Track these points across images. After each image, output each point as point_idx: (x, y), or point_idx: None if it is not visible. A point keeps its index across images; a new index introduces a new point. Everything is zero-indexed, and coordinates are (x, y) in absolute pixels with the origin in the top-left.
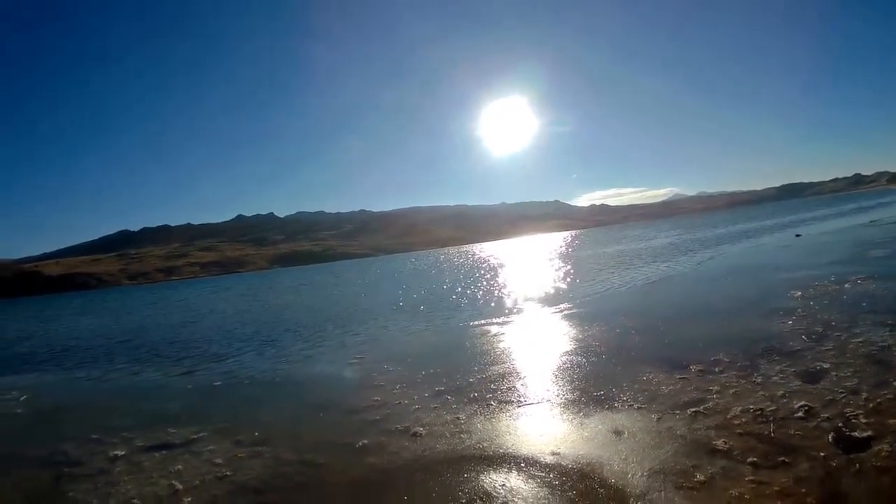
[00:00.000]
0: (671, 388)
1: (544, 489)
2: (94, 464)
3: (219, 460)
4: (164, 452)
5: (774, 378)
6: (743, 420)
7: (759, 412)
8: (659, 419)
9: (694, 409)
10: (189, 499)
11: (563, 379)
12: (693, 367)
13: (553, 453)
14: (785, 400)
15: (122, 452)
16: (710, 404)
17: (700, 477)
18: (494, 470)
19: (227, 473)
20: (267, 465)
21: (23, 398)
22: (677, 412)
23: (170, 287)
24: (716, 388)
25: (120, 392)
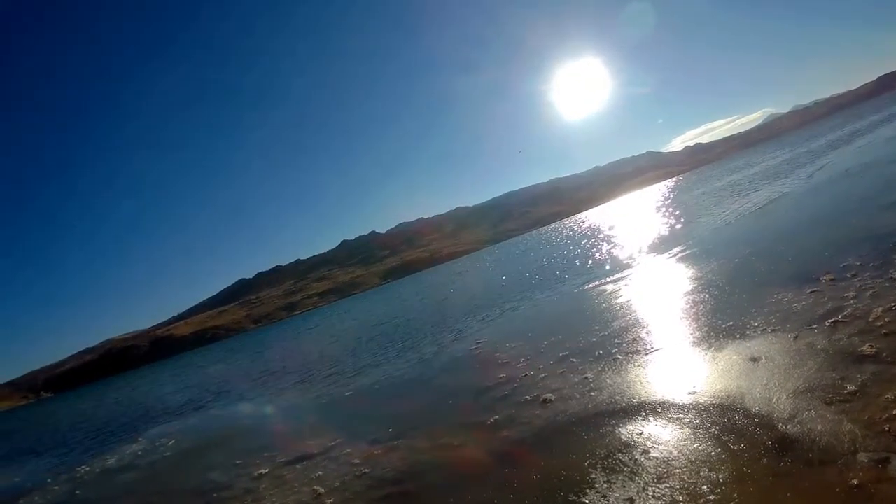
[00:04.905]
0: (803, 303)
1: (685, 430)
2: (240, 485)
3: (356, 461)
4: (304, 463)
5: None
6: (887, 320)
7: None
8: (796, 337)
9: (832, 320)
10: (331, 500)
11: (688, 319)
12: (823, 278)
13: (689, 393)
14: None
15: (266, 470)
16: (849, 311)
17: (850, 387)
18: (630, 420)
19: (366, 471)
20: (403, 456)
21: (170, 443)
22: (814, 326)
23: (296, 320)
24: (851, 293)
25: (259, 420)
